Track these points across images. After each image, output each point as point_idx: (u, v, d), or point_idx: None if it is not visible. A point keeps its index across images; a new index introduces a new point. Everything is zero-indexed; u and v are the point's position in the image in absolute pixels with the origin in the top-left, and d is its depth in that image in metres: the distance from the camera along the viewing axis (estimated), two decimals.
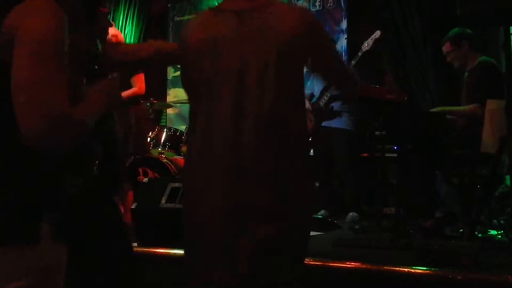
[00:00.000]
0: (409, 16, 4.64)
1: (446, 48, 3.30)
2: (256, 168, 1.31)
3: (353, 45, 4.98)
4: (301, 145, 1.40)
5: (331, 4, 5.37)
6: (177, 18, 6.21)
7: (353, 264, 2.24)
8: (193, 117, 1.44)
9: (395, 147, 3.90)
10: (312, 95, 4.41)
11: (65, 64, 1.04)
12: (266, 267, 1.31)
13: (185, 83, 1.48)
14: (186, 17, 6.09)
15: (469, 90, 3.20)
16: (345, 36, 5.17)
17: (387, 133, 3.95)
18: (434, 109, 3.22)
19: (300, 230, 1.39)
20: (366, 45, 3.96)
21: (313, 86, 4.44)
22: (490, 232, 2.94)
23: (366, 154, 4.44)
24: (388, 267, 2.19)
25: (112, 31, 3.57)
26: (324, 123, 4.18)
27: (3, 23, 1.03)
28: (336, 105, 4.15)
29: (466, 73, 3.29)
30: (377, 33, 3.95)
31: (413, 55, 4.63)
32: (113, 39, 3.48)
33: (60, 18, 1.04)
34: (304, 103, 1.49)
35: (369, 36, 3.99)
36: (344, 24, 5.25)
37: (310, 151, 1.49)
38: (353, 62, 4.03)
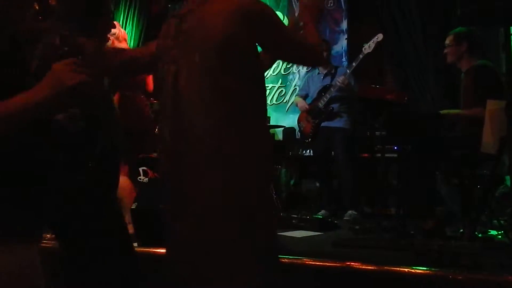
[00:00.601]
0: (409, 16, 4.65)
1: (448, 40, 3.29)
2: (192, 172, 1.36)
3: (353, 46, 4.98)
4: (246, 147, 1.36)
5: (331, 5, 5.37)
6: None
7: (353, 264, 2.24)
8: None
9: (395, 147, 3.90)
10: (306, 95, 4.41)
11: None
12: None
13: None
14: None
15: (466, 92, 3.20)
16: (345, 36, 5.17)
17: (387, 133, 3.96)
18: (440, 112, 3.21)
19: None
20: (368, 48, 3.94)
21: (308, 86, 4.43)
22: (490, 232, 2.94)
23: (366, 154, 4.44)
24: (388, 267, 2.19)
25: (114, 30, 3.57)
26: (323, 124, 4.18)
27: None
28: (335, 106, 4.15)
29: (463, 75, 3.29)
30: (379, 36, 3.92)
31: (413, 55, 4.63)
32: (111, 38, 3.48)
33: None
34: (258, 102, 1.43)
35: (370, 38, 3.98)
36: (344, 25, 5.26)
37: (263, 155, 1.40)
38: (354, 64, 4.02)
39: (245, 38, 1.35)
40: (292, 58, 1.79)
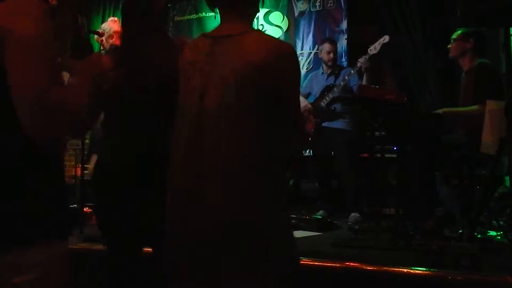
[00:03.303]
0: (409, 16, 4.64)
1: (455, 35, 3.29)
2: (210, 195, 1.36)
3: (353, 46, 4.97)
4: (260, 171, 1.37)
5: (331, 5, 5.36)
6: (177, 18, 6.20)
7: (353, 265, 2.24)
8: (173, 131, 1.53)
9: (395, 148, 3.89)
10: (308, 94, 4.40)
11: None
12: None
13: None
14: (186, 17, 6.07)
15: (467, 91, 3.20)
16: (345, 36, 5.16)
17: (387, 133, 3.95)
18: (440, 110, 3.21)
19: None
20: (373, 49, 3.90)
21: (311, 85, 4.42)
22: (489, 233, 2.94)
23: (366, 155, 4.43)
24: (387, 268, 2.19)
25: (115, 27, 3.54)
26: (324, 124, 4.17)
27: None
28: (337, 106, 4.13)
29: (463, 74, 3.29)
30: (386, 38, 3.89)
31: (413, 55, 4.63)
32: (115, 36, 3.45)
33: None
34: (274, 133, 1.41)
35: (370, 38, 3.95)
36: (344, 25, 5.24)
37: (279, 177, 1.44)
38: (358, 64, 3.98)
39: (271, 75, 1.39)
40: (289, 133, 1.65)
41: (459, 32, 3.27)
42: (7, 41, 1.07)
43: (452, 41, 3.29)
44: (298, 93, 1.60)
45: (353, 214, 3.88)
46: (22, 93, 1.06)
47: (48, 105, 1.07)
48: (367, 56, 3.92)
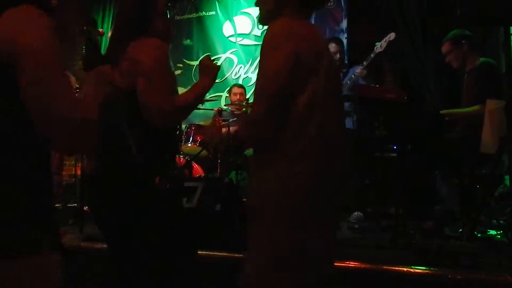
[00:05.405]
0: (409, 16, 4.65)
1: (445, 48, 3.29)
2: None
3: (353, 45, 4.97)
4: None
5: (331, 4, 5.36)
6: (177, 17, 6.19)
7: (353, 264, 2.24)
8: None
9: (395, 147, 3.89)
10: None
11: None
12: None
13: None
14: (186, 16, 6.07)
15: (468, 91, 3.20)
16: (345, 35, 5.16)
17: (387, 133, 3.95)
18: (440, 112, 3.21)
19: None
20: (380, 47, 3.88)
21: None
22: (489, 232, 2.95)
23: (366, 154, 4.42)
24: (387, 267, 2.19)
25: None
26: None
27: None
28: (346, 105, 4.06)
29: (466, 74, 3.29)
30: (392, 35, 3.87)
31: (413, 55, 4.63)
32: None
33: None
34: None
35: (374, 38, 3.94)
36: (344, 24, 5.24)
37: None
38: (365, 63, 3.95)
39: None
40: None
41: (447, 43, 3.26)
42: (17, 56, 1.00)
43: (445, 55, 3.29)
44: None
45: (356, 213, 3.87)
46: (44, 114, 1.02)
47: (73, 123, 1.04)
48: (364, 64, 3.91)
